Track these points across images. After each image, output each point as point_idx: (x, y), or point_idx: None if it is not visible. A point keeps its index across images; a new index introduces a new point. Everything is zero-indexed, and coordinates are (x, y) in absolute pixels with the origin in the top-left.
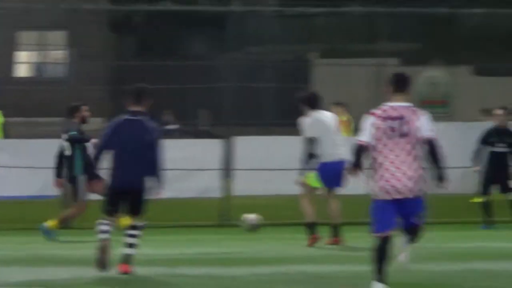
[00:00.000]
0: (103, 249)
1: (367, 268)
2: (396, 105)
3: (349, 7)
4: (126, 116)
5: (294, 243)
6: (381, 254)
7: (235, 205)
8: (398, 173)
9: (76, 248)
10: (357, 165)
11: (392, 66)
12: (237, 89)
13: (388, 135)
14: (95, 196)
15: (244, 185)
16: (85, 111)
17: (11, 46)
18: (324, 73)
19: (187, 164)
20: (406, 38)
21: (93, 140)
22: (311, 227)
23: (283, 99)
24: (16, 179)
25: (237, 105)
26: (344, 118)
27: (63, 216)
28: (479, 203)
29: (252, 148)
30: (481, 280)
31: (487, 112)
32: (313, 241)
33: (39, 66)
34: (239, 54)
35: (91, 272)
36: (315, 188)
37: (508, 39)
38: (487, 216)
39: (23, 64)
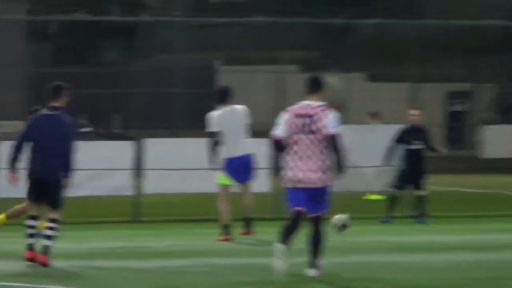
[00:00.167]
0: (30, 247)
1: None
2: (309, 104)
3: (251, 18)
4: (45, 111)
5: (202, 238)
6: (292, 225)
7: (146, 202)
8: (305, 166)
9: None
10: (276, 158)
11: (291, 73)
12: (148, 94)
13: (299, 131)
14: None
15: (154, 183)
16: None
17: None
18: (228, 79)
19: (101, 165)
20: (305, 46)
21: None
22: (225, 227)
23: (191, 104)
24: None
25: (148, 109)
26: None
27: (13, 211)
28: (384, 198)
29: (162, 150)
30: (381, 272)
31: (374, 115)
32: (224, 240)
33: None
34: (150, 62)
35: (9, 265)
36: (228, 186)
37: (398, 47)
38: (390, 211)
39: None
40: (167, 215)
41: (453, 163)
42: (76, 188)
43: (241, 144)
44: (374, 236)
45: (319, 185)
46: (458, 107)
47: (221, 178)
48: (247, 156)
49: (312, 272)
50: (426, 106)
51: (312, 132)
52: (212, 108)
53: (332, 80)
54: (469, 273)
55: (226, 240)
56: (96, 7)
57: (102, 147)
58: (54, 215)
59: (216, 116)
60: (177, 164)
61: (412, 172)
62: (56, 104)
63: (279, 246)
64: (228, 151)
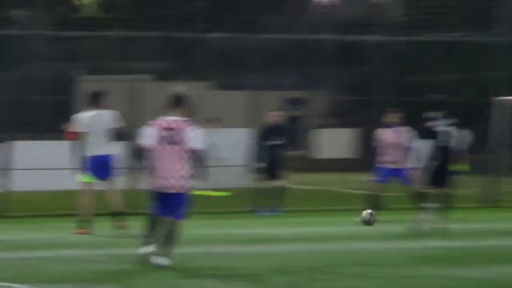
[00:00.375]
0: None
1: (136, 252)
2: (172, 118)
3: (108, 32)
4: None
5: (63, 231)
6: (151, 227)
7: (14, 199)
8: (167, 173)
9: None
10: (138, 163)
11: (145, 81)
12: (15, 101)
13: (163, 142)
14: None
15: (22, 182)
16: None
17: None
18: (89, 88)
19: None
20: (158, 58)
21: None
22: (84, 222)
23: (54, 110)
24: None
25: (15, 115)
26: None
27: None
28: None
29: (28, 151)
30: (225, 261)
31: (211, 121)
32: (82, 233)
33: None
34: (17, 72)
35: None
36: (90, 183)
37: (243, 59)
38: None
39: None
40: (33, 210)
41: (290, 162)
42: None
43: (104, 145)
44: (220, 229)
45: (180, 191)
46: (295, 113)
47: (83, 176)
48: (108, 156)
49: (160, 260)
50: (269, 111)
51: (175, 143)
52: (75, 112)
53: (181, 88)
54: (292, 262)
55: (84, 233)
56: None
57: None
58: None
59: (83, 118)
60: (42, 164)
61: (272, 166)
62: None
63: (143, 241)
64: (92, 150)
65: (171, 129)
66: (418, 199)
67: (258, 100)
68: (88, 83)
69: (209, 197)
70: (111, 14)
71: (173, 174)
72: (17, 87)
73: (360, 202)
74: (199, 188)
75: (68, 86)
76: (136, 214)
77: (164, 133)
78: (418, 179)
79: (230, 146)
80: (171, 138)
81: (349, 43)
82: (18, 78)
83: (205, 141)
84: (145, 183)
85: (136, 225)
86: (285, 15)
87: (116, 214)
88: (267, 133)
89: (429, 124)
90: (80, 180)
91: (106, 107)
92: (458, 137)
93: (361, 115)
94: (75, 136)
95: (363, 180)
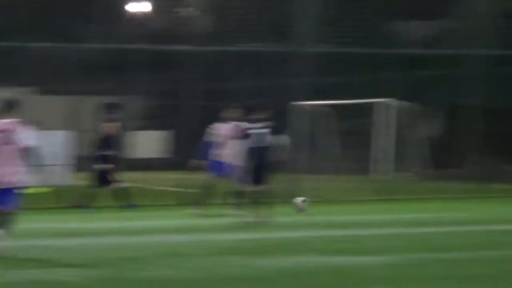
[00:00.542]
0: None
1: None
2: (6, 121)
3: None
4: None
5: None
6: None
7: None
8: (2, 170)
9: None
10: None
11: None
12: None
13: (1, 143)
14: None
15: None
16: None
17: None
18: None
19: None
20: None
21: None
22: None
23: None
24: None
25: None
26: None
27: None
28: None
29: None
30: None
31: (31, 123)
32: None
33: None
34: None
35: None
36: None
37: (65, 66)
38: (87, 201)
39: None
40: None
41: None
42: None
43: None
44: (43, 224)
45: (12, 185)
46: (112, 116)
47: None
48: None
49: None
50: (87, 114)
51: (7, 143)
52: None
53: (3, 94)
54: (109, 254)
55: None
56: None
57: None
58: None
59: None
60: None
61: (102, 172)
62: None
63: None
64: None
65: (3, 131)
66: (238, 195)
67: (76, 104)
68: None
69: (33, 193)
70: None
71: (8, 171)
72: None
73: (172, 199)
74: (28, 185)
75: None
76: None
77: (0, 135)
78: (238, 177)
79: (50, 147)
80: (3, 138)
81: (161, 52)
82: None
83: (35, 141)
84: None
85: None
86: (103, 25)
87: None
88: (101, 143)
89: (245, 126)
90: None
91: None
92: (273, 139)
93: (170, 118)
94: None
95: (175, 178)
